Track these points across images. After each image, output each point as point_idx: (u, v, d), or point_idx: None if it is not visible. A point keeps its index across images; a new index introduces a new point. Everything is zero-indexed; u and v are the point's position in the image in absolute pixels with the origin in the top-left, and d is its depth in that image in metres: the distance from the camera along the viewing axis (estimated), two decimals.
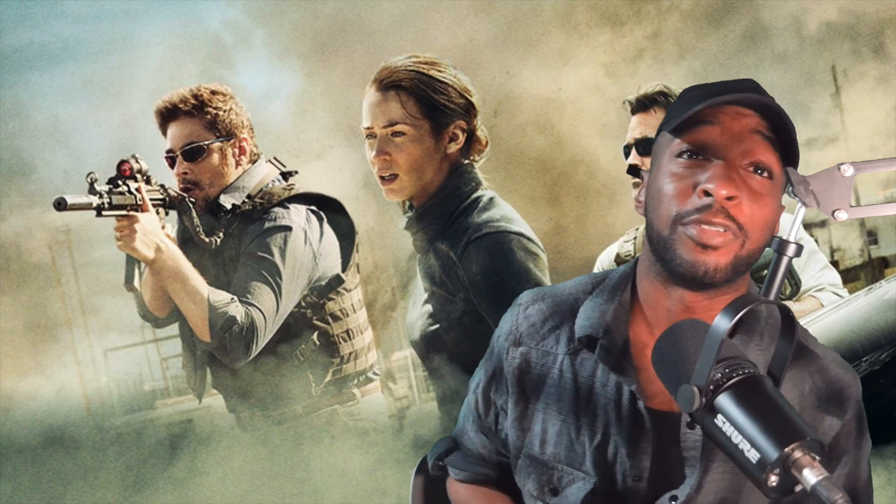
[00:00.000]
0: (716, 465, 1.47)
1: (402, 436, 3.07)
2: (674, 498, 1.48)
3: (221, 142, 3.01)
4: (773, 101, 1.44)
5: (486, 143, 2.60)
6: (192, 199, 2.98)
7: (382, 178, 2.55)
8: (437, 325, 2.50)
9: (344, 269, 3.05)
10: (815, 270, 3.19)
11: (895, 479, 2.39)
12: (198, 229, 2.97)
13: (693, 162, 1.43)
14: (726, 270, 1.43)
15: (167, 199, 2.97)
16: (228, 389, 3.08)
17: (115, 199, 2.83)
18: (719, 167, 1.41)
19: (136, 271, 2.91)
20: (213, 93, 3.02)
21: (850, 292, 3.26)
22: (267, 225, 2.96)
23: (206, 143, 2.99)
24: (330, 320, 3.02)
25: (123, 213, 2.84)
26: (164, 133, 3.04)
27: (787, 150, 1.45)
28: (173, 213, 3.00)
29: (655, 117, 2.89)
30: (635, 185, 2.79)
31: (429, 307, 2.54)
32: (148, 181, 2.93)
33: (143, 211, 2.87)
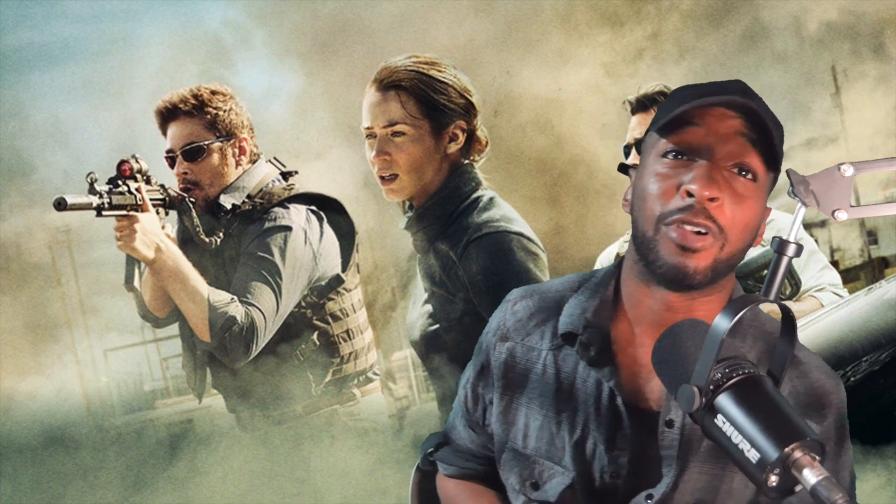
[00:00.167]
0: (693, 464, 1.48)
1: (402, 436, 3.07)
2: (649, 496, 1.49)
3: (221, 142, 3.01)
4: (760, 104, 1.44)
5: (486, 143, 2.60)
6: (192, 199, 2.98)
7: (382, 178, 2.54)
8: (437, 325, 2.50)
9: (344, 269, 3.05)
10: (815, 270, 3.19)
11: (895, 479, 2.39)
12: (198, 229, 2.97)
13: (678, 162, 1.44)
14: (706, 273, 1.44)
15: (167, 199, 2.97)
16: (228, 389, 3.08)
17: (115, 199, 2.83)
18: (703, 168, 1.42)
19: (136, 271, 2.91)
20: (213, 93, 3.02)
21: (850, 292, 3.26)
22: (267, 225, 2.96)
23: (206, 143, 2.99)
24: (330, 320, 3.02)
25: (123, 213, 2.84)
26: (164, 133, 3.04)
27: (772, 152, 1.45)
28: (173, 213, 3.00)
29: None
30: None
31: (429, 307, 2.53)
32: (148, 181, 2.93)
33: (143, 211, 2.87)
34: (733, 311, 1.21)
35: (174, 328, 3.13)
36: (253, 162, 3.07)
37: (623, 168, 1.61)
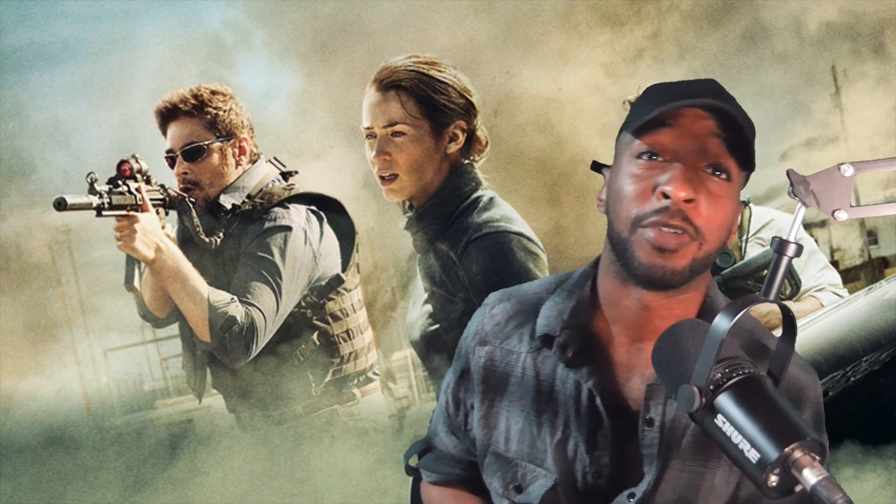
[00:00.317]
0: (674, 462, 1.48)
1: (402, 436, 3.07)
2: (631, 495, 1.49)
3: (221, 142, 3.01)
4: (733, 104, 1.46)
5: (486, 143, 2.60)
6: (192, 199, 2.98)
7: (382, 178, 2.55)
8: (437, 325, 2.50)
9: (344, 269, 3.05)
10: (815, 270, 3.19)
11: (895, 479, 2.39)
12: (198, 229, 2.97)
13: (652, 163, 1.45)
14: (683, 273, 1.45)
15: (167, 199, 2.97)
16: (228, 389, 3.08)
17: (115, 199, 2.83)
18: (678, 170, 1.43)
19: (136, 271, 2.91)
20: (213, 93, 3.02)
21: (850, 292, 3.26)
22: (267, 225, 2.96)
23: (206, 143, 2.99)
24: (330, 320, 3.02)
25: (123, 213, 2.84)
26: (164, 133, 3.04)
27: (745, 151, 1.46)
28: (173, 213, 3.00)
29: None
30: None
31: (429, 307, 2.54)
32: (148, 181, 2.93)
33: (143, 211, 2.87)
34: (733, 311, 1.21)
35: (174, 328, 3.13)
36: (253, 162, 3.07)
37: (596, 166, 1.62)
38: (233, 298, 2.89)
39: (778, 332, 1.34)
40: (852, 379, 2.69)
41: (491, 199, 2.53)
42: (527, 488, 1.56)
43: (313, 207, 3.03)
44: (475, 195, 2.53)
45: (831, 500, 1.11)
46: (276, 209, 2.99)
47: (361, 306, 3.12)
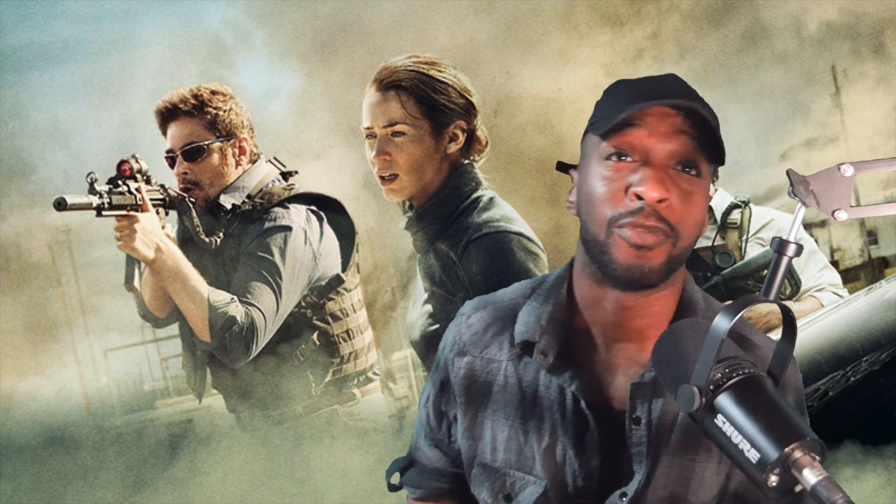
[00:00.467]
0: (663, 459, 1.49)
1: (402, 436, 3.07)
2: (623, 495, 1.49)
3: (221, 142, 3.01)
4: (697, 100, 1.46)
5: (486, 143, 2.60)
6: (192, 199, 2.98)
7: (382, 178, 2.54)
8: (437, 325, 2.50)
9: (344, 269, 3.05)
10: (815, 270, 3.19)
11: (895, 479, 2.39)
12: (198, 229, 2.97)
13: (622, 164, 1.45)
14: (661, 271, 1.45)
15: (167, 199, 2.97)
16: (228, 389, 3.08)
17: (115, 199, 2.83)
18: (649, 170, 1.43)
19: (136, 271, 2.91)
20: (213, 93, 3.02)
21: (850, 292, 3.26)
22: (267, 225, 2.96)
23: (206, 143, 2.99)
24: (330, 320, 3.02)
25: (123, 213, 2.84)
26: (164, 133, 3.04)
27: (713, 146, 1.46)
28: (173, 213, 3.00)
29: None
30: None
31: (429, 307, 2.53)
32: (148, 181, 2.93)
33: (143, 211, 2.87)
34: (733, 311, 1.21)
35: (174, 328, 3.13)
36: (253, 162, 3.07)
37: (562, 167, 1.61)
38: (233, 298, 2.89)
39: (778, 332, 1.34)
40: (852, 379, 2.69)
41: (491, 199, 2.53)
42: (517, 496, 1.56)
43: (313, 207, 3.03)
44: (475, 195, 2.53)
45: (831, 500, 1.11)
46: (276, 209, 2.99)
47: (361, 306, 3.12)
